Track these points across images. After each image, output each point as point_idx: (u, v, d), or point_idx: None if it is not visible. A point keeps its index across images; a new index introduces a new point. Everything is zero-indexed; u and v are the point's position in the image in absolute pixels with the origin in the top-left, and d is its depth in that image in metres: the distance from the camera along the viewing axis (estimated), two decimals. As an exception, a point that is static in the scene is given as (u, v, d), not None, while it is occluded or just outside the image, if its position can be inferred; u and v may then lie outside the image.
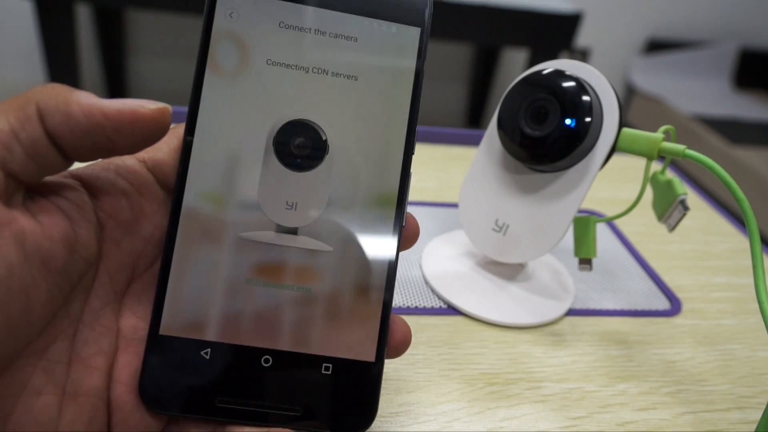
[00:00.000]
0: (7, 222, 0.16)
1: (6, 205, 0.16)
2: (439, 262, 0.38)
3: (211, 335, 0.20)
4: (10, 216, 0.16)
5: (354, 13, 0.21)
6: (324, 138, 0.21)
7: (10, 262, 0.16)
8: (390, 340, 0.21)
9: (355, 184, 0.21)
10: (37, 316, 0.17)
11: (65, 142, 0.17)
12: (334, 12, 0.21)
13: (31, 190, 0.18)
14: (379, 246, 0.21)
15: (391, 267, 0.21)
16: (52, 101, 0.17)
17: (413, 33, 0.21)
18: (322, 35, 0.21)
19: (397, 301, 0.35)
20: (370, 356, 0.21)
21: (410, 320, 0.33)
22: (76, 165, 0.19)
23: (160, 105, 0.18)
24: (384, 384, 0.29)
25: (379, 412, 0.27)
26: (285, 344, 0.20)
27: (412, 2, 0.21)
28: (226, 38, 0.20)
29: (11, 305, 0.16)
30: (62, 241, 0.17)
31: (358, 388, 0.20)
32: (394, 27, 0.21)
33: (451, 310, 0.35)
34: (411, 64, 0.21)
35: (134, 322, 0.20)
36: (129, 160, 0.20)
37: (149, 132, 0.18)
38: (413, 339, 0.32)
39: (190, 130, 0.20)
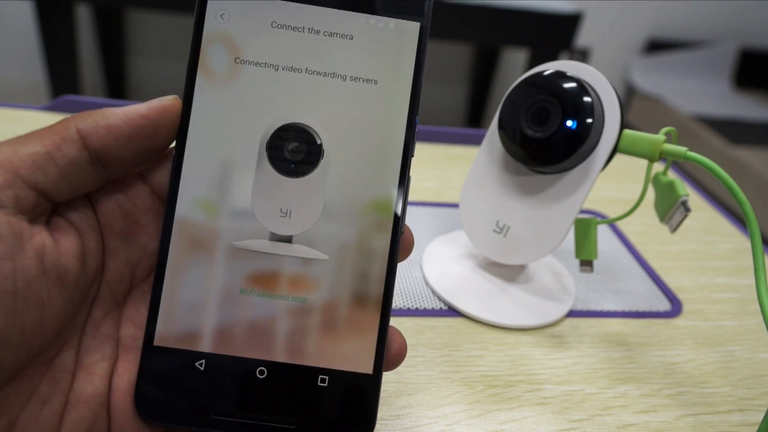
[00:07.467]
0: (29, 238, 0.17)
1: (30, 222, 0.17)
2: (439, 263, 0.38)
3: (205, 346, 0.20)
4: (33, 232, 0.17)
5: (349, 10, 0.20)
6: (319, 142, 0.20)
7: (29, 276, 0.16)
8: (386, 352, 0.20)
9: (351, 190, 0.20)
10: (50, 328, 0.17)
11: (111, 154, 0.18)
12: (327, 9, 0.20)
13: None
14: (376, 254, 0.20)
15: (390, 276, 0.20)
16: (90, 120, 0.18)
17: (412, 28, 0.20)
18: (316, 34, 0.20)
19: (398, 302, 0.35)
20: (367, 368, 0.20)
21: (410, 322, 0.33)
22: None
23: (172, 95, 0.20)
24: (384, 386, 0.29)
25: (380, 415, 0.27)
26: (280, 355, 0.20)
27: None
28: (218, 41, 0.20)
29: (26, 317, 0.16)
30: (76, 256, 0.18)
31: (355, 400, 0.20)
32: (392, 22, 0.20)
33: (452, 311, 0.35)
34: (410, 61, 0.20)
35: (133, 331, 0.20)
36: None
37: (177, 122, 0.20)
38: (414, 341, 0.32)
39: (181, 137, 0.20)
